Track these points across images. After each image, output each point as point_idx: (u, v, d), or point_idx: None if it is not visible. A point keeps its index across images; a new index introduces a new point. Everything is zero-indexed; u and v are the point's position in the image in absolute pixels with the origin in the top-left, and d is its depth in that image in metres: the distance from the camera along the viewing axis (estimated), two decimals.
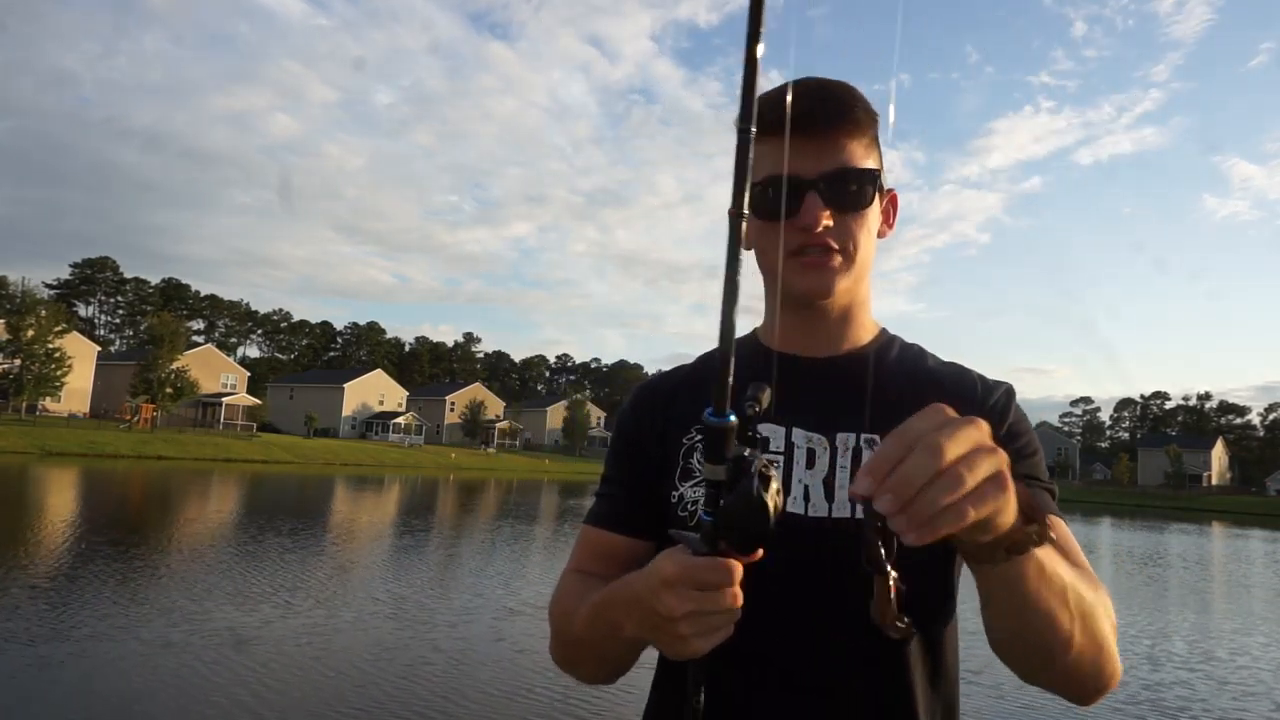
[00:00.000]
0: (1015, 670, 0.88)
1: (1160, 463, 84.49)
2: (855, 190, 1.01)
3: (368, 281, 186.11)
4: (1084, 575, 0.86)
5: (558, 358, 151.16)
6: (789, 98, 0.96)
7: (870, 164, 1.03)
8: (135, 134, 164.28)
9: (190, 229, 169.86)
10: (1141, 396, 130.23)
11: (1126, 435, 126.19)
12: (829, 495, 1.02)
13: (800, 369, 1.08)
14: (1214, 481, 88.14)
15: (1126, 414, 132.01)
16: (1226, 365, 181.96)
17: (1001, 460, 0.65)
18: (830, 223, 0.99)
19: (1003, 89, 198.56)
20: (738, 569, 0.73)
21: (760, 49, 0.63)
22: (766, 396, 0.76)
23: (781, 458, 1.05)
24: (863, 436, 1.05)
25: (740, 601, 0.74)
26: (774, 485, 0.70)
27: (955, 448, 0.62)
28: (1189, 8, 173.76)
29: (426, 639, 7.81)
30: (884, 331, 1.16)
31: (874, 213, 1.05)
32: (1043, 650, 0.82)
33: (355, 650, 7.27)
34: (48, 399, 53.98)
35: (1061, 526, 0.94)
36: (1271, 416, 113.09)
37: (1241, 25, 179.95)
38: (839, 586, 0.97)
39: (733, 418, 0.68)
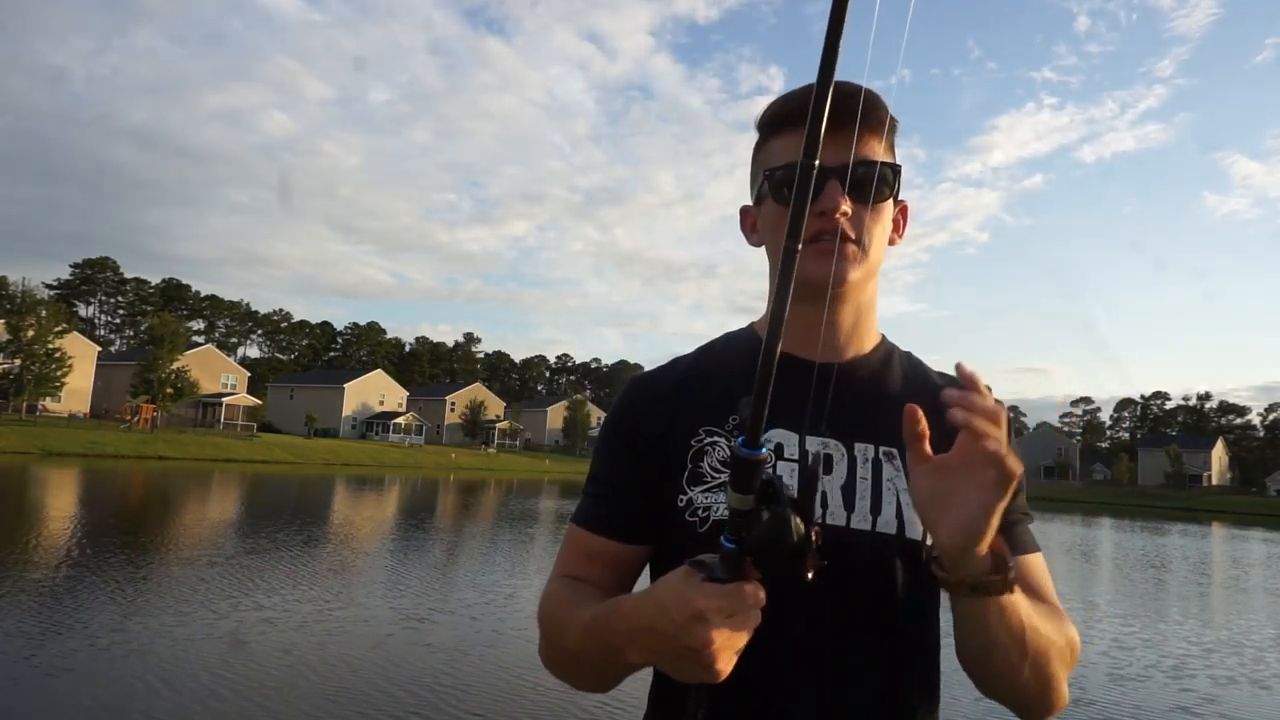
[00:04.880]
0: (970, 679, 0.97)
1: (1160, 463, 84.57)
2: (876, 183, 1.01)
3: (367, 281, 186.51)
4: (1051, 614, 0.95)
5: (558, 358, 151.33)
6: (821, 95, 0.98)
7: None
8: (130, 132, 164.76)
9: (188, 228, 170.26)
10: (1141, 396, 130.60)
11: (1126, 435, 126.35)
12: (848, 504, 1.01)
13: (808, 373, 1.04)
14: (1214, 481, 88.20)
15: (1126, 414, 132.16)
16: (1226, 365, 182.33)
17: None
18: (849, 210, 1.00)
19: (1005, 85, 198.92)
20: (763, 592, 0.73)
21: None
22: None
23: (795, 465, 1.02)
24: (881, 449, 1.05)
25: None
26: (801, 516, 0.68)
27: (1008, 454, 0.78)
28: (1193, 1, 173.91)
29: (424, 638, 7.82)
30: (884, 339, 1.15)
31: (890, 211, 1.05)
32: (994, 676, 0.93)
33: (353, 650, 7.26)
34: (48, 399, 54.03)
35: (1038, 562, 1.03)
36: (1271, 416, 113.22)
37: (1247, 20, 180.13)
38: (857, 596, 0.98)
39: (765, 450, 0.65)
